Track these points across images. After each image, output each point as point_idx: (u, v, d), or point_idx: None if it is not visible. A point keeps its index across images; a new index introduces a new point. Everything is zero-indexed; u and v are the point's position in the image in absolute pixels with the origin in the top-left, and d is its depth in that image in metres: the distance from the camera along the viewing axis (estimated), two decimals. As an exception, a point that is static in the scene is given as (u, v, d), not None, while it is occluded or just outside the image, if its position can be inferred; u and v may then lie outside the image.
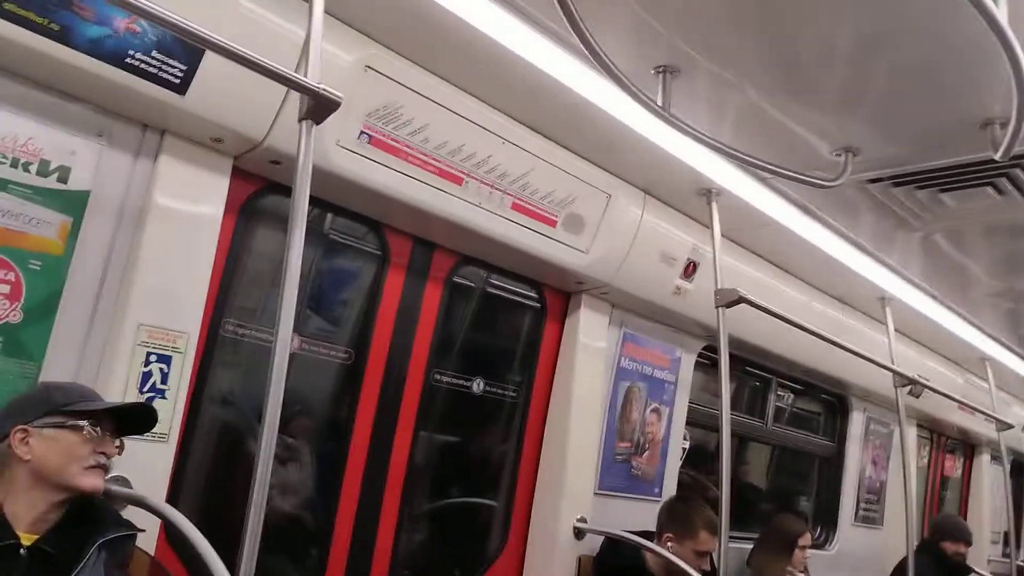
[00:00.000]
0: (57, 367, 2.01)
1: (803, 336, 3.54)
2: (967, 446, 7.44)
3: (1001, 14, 1.56)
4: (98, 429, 1.73)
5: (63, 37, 1.81)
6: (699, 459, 4.44)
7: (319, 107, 1.81)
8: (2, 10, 1.73)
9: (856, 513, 5.47)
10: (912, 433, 6.12)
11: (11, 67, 1.91)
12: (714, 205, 3.14)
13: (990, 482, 7.40)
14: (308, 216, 1.83)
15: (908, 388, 4.21)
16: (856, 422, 5.49)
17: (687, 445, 4.10)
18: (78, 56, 1.85)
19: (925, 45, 1.99)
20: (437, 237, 3.02)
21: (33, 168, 1.97)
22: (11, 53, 1.83)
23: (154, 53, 1.94)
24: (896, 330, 4.42)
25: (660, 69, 2.26)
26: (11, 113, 1.94)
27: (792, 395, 5.24)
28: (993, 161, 2.29)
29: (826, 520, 5.35)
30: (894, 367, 4.14)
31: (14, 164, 1.94)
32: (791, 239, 3.48)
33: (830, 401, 5.45)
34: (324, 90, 1.79)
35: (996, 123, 2.29)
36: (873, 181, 2.88)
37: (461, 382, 3.28)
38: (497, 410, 3.45)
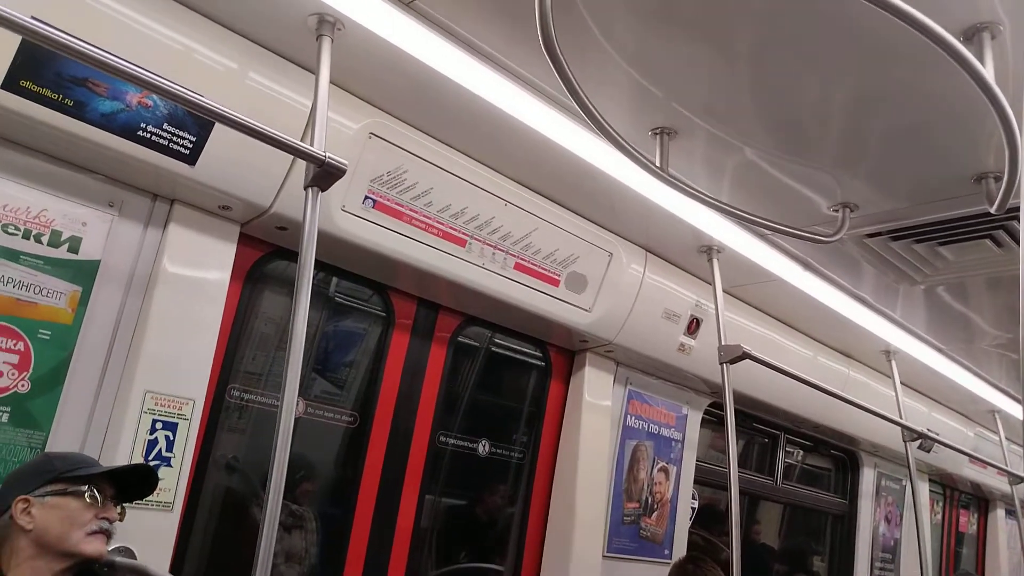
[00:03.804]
0: (64, 436, 2.01)
1: (810, 391, 3.52)
2: (981, 501, 7.32)
3: (988, 73, 1.60)
4: (99, 494, 1.73)
5: (77, 112, 1.87)
6: (709, 519, 4.37)
7: (325, 174, 1.85)
8: (19, 87, 1.78)
9: (871, 573, 5.35)
10: (924, 488, 6.03)
11: (25, 141, 1.96)
12: (715, 262, 3.17)
13: (1007, 538, 7.25)
14: (313, 280, 1.85)
15: (918, 442, 4.17)
16: (867, 478, 5.41)
17: (696, 504, 4.05)
18: (91, 130, 1.91)
19: (918, 103, 2.03)
20: (441, 298, 3.04)
21: (45, 239, 2.01)
22: (26, 128, 1.88)
23: (165, 126, 1.99)
24: (903, 383, 4.40)
25: (657, 131, 2.31)
26: (24, 185, 1.98)
27: (801, 452, 5.18)
28: (989, 214, 2.31)
29: (841, 580, 5.25)
30: (902, 421, 4.10)
31: (26, 235, 1.98)
32: (793, 294, 3.49)
33: (840, 457, 5.39)
34: (330, 158, 1.83)
35: (990, 177, 2.31)
36: (871, 236, 2.90)
37: (467, 444, 3.26)
38: (503, 472, 3.42)
